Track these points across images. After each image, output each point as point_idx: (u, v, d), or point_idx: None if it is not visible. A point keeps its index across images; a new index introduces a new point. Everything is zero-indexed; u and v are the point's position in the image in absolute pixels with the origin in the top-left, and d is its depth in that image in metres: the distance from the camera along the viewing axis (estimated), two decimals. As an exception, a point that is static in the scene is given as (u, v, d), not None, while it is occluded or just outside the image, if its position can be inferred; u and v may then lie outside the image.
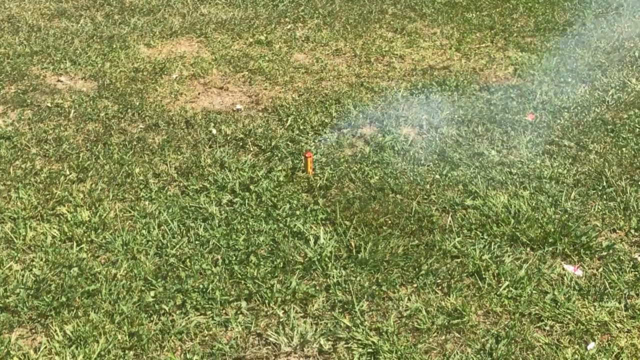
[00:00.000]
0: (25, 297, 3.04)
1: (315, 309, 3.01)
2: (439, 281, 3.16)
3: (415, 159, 4.08)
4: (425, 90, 4.95)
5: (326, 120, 4.52)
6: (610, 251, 3.34)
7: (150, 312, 2.99)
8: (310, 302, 3.05)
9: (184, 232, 3.47)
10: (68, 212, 3.60)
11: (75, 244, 3.37)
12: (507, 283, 3.14)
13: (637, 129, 4.43)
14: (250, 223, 3.51)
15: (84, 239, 3.41)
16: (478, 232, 3.46)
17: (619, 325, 2.94)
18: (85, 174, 3.94)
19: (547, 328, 2.93)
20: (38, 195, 3.74)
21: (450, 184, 3.85)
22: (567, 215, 3.57)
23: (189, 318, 2.96)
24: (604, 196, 3.75)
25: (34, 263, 3.25)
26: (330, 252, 3.30)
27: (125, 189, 3.82)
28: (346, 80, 5.20)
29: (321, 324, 2.94)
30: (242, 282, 3.14)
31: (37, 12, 6.59)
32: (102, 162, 4.05)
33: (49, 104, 4.76)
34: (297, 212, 3.60)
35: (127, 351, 2.80)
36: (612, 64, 5.40)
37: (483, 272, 3.19)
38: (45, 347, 2.82)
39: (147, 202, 3.70)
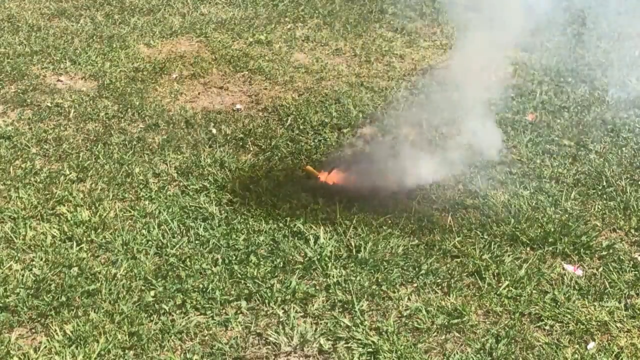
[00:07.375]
0: (25, 296, 3.04)
1: (315, 309, 3.01)
2: (439, 281, 3.16)
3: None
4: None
5: (326, 120, 4.52)
6: (610, 251, 3.34)
7: (150, 311, 2.99)
8: (310, 302, 3.05)
9: (184, 231, 3.47)
10: (68, 211, 3.60)
11: (75, 243, 3.37)
12: (507, 283, 3.14)
13: (637, 129, 4.43)
14: (250, 223, 3.51)
15: (84, 238, 3.41)
16: (478, 232, 3.46)
17: (619, 324, 2.94)
18: (85, 174, 3.94)
19: (547, 328, 2.93)
20: (38, 194, 3.74)
21: (450, 183, 3.85)
22: (567, 215, 3.57)
23: (188, 318, 2.96)
24: (604, 196, 3.75)
25: (34, 263, 3.25)
26: (330, 252, 3.30)
27: (125, 188, 3.82)
28: (346, 80, 5.20)
29: (321, 323, 2.94)
30: (242, 281, 3.14)
31: (37, 11, 6.58)
32: (102, 162, 4.05)
33: (48, 104, 4.76)
34: (297, 212, 3.60)
35: (127, 351, 2.81)
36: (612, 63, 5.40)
37: (483, 272, 3.19)
38: (45, 347, 2.82)
39: (147, 202, 3.70)
